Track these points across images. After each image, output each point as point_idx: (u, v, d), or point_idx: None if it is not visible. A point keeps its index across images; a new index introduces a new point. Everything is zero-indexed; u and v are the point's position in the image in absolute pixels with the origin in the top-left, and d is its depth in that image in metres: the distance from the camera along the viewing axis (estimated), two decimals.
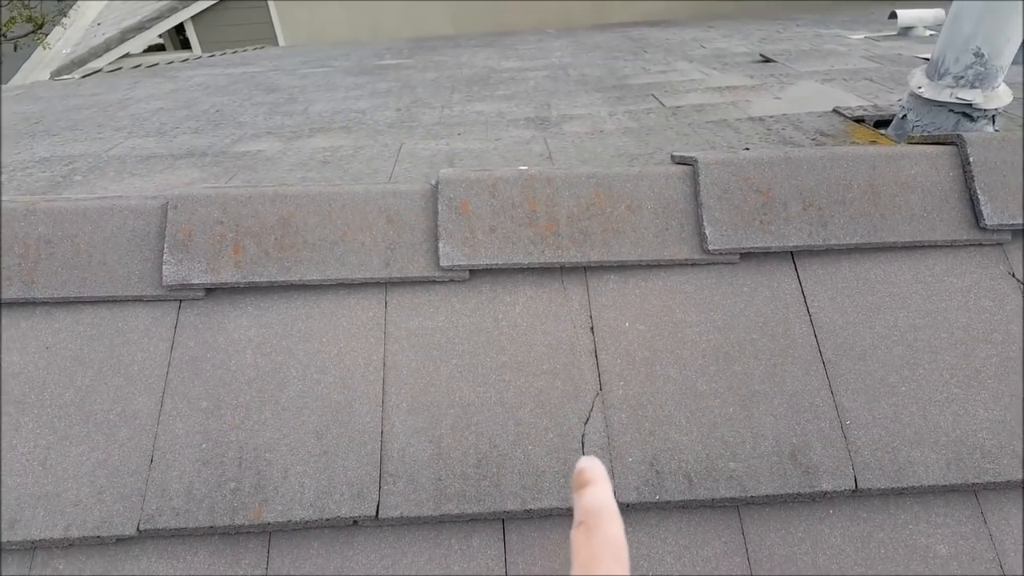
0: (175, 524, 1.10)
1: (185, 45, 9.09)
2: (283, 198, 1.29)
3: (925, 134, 1.42)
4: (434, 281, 1.26)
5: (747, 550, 1.07)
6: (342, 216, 1.28)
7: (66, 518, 1.12)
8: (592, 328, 1.22)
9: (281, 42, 8.47)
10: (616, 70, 3.13)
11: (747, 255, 1.22)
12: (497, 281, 1.26)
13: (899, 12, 3.63)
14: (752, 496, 1.06)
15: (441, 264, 1.23)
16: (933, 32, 3.63)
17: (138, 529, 1.10)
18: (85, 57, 7.41)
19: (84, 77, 4.93)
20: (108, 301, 1.27)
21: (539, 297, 1.24)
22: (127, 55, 7.90)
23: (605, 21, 6.87)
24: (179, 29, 9.01)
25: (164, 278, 1.25)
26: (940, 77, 1.40)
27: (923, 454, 1.08)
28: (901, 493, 1.08)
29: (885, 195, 1.23)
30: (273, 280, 1.25)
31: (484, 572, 1.08)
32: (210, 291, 1.27)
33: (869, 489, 1.06)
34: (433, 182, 1.30)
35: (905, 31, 3.63)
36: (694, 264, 1.22)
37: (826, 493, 1.07)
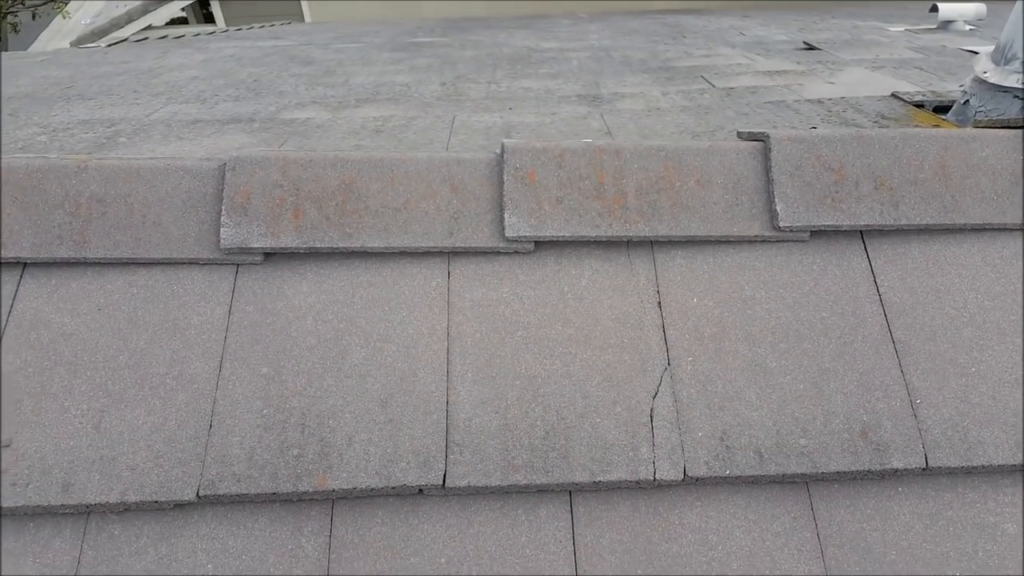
0: (236, 490, 1.13)
1: (209, 19, 9.05)
2: (344, 163, 1.31)
3: (989, 119, 1.45)
4: (499, 252, 1.28)
5: (816, 525, 1.12)
6: (405, 183, 1.30)
7: (122, 482, 1.14)
8: (659, 303, 1.25)
9: (307, 18, 8.47)
10: (658, 53, 3.15)
11: (817, 233, 1.26)
12: (563, 253, 1.29)
13: (940, 6, 3.67)
14: (823, 472, 1.10)
15: (506, 235, 1.26)
16: (973, 27, 3.68)
17: (198, 494, 1.12)
18: (106, 28, 7.34)
19: (110, 46, 4.90)
20: (163, 263, 1.29)
21: (605, 271, 1.27)
22: (149, 27, 7.86)
23: (636, 8, 6.90)
24: (203, 2, 8.96)
25: (222, 241, 1.27)
26: (1007, 63, 1.43)
27: (993, 434, 1.13)
28: (970, 472, 1.13)
29: (956, 177, 1.27)
30: (334, 246, 1.27)
31: (551, 542, 1.12)
32: (269, 256, 1.29)
33: (939, 467, 1.10)
34: (497, 151, 1.32)
35: (945, 24, 3.67)
36: (764, 241, 1.26)
37: (896, 471, 1.11)
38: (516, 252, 1.28)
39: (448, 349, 1.22)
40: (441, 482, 1.12)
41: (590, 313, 1.24)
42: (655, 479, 1.11)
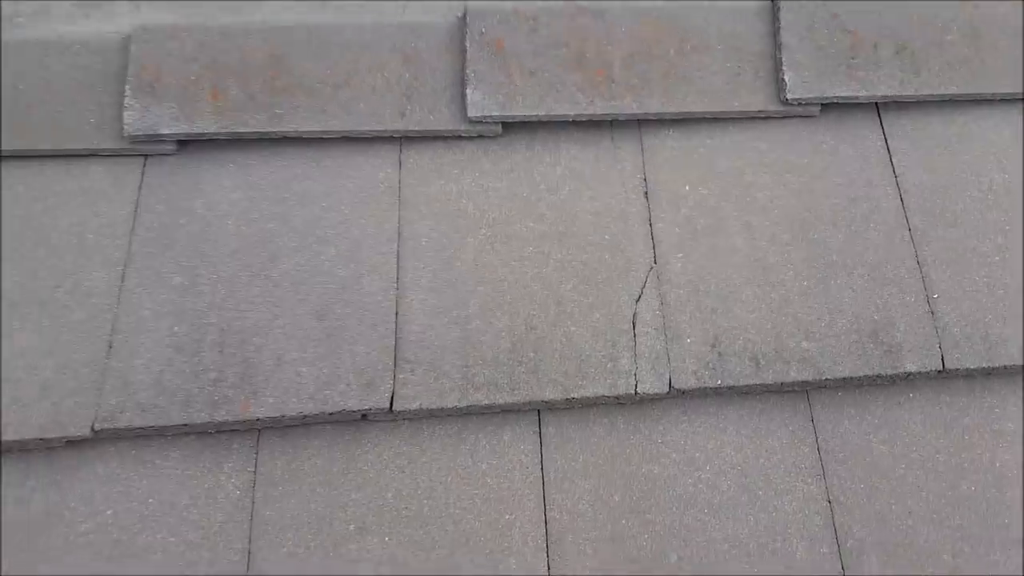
0: (140, 422, 0.94)
1: None
2: (274, 31, 1.09)
3: None
4: (460, 136, 1.10)
5: (817, 439, 1.01)
6: (347, 54, 1.09)
7: (2, 419, 0.98)
8: (646, 193, 1.09)
9: None
10: None
11: (829, 107, 1.09)
12: (535, 137, 1.11)
13: None
14: (827, 379, 0.98)
15: (469, 115, 1.07)
16: None
17: (93, 429, 0.94)
18: None
19: None
20: (56, 156, 1.08)
21: (585, 157, 1.10)
22: None
23: None
24: None
25: (125, 127, 1.06)
26: None
27: (1016, 332, 1.01)
28: (990, 374, 1.02)
29: (987, 40, 1.10)
30: (262, 131, 1.07)
31: (516, 468, 1.00)
32: (183, 144, 1.08)
33: (956, 370, 0.99)
34: (459, 14, 1.12)
35: None
36: (768, 117, 1.09)
37: (909, 375, 0.99)
38: (480, 136, 1.10)
39: (399, 251, 1.06)
40: (388, 405, 0.98)
41: (566, 207, 1.07)
42: (636, 393, 0.98)
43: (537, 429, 1.01)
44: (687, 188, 1.08)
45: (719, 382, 0.99)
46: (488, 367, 1.00)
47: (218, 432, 1.00)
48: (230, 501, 0.97)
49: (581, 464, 0.99)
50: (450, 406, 0.98)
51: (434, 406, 0.98)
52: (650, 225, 1.06)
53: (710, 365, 0.99)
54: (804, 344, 1.00)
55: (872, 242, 1.04)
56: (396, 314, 1.02)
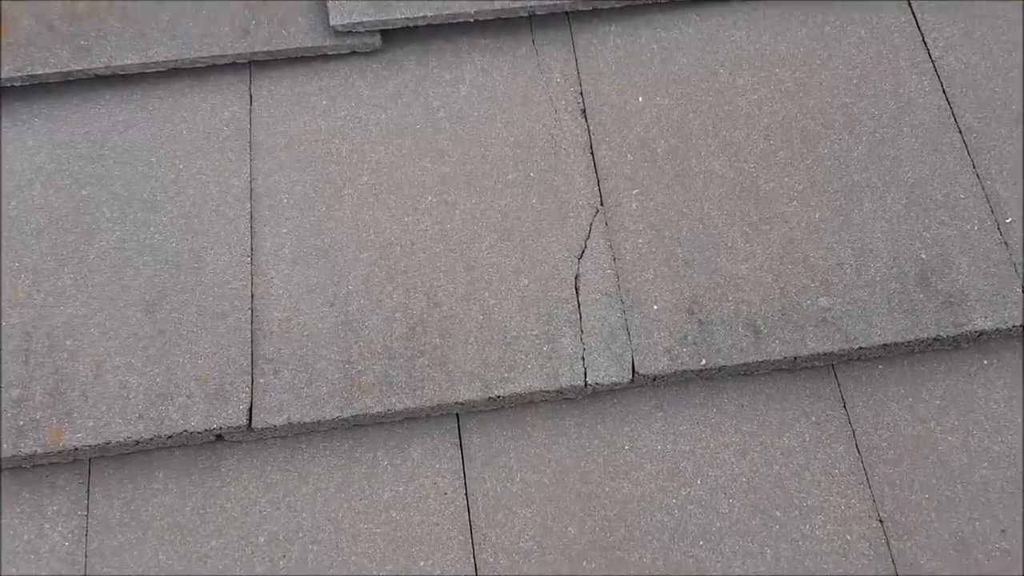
0: None
1: None
2: None
3: None
4: (326, 55, 0.84)
5: (854, 432, 0.71)
6: None
7: None
8: (584, 111, 0.81)
9: None
10: None
11: None
12: (428, 49, 0.83)
13: None
14: (860, 347, 0.69)
15: (333, 24, 0.80)
16: None
17: None
18: None
19: None
20: None
21: (498, 69, 0.82)
22: None
23: None
24: None
25: None
26: None
27: None
28: None
29: None
30: (66, 70, 0.82)
31: (431, 496, 0.72)
32: None
33: None
34: None
35: None
36: None
37: (980, 334, 0.70)
38: (353, 52, 0.83)
39: (252, 214, 0.79)
40: (246, 420, 0.70)
41: (475, 139, 0.80)
42: (587, 384, 0.70)
43: (457, 440, 0.73)
44: (641, 99, 0.79)
45: (703, 362, 0.70)
46: (379, 360, 0.72)
47: (34, 467, 0.74)
48: (56, 555, 0.71)
49: (520, 485, 0.71)
50: (331, 417, 0.70)
51: (309, 418, 0.70)
52: (592, 154, 0.78)
53: (689, 339, 0.70)
54: (822, 301, 0.71)
55: (907, 151, 0.75)
56: (251, 297, 0.75)
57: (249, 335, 0.74)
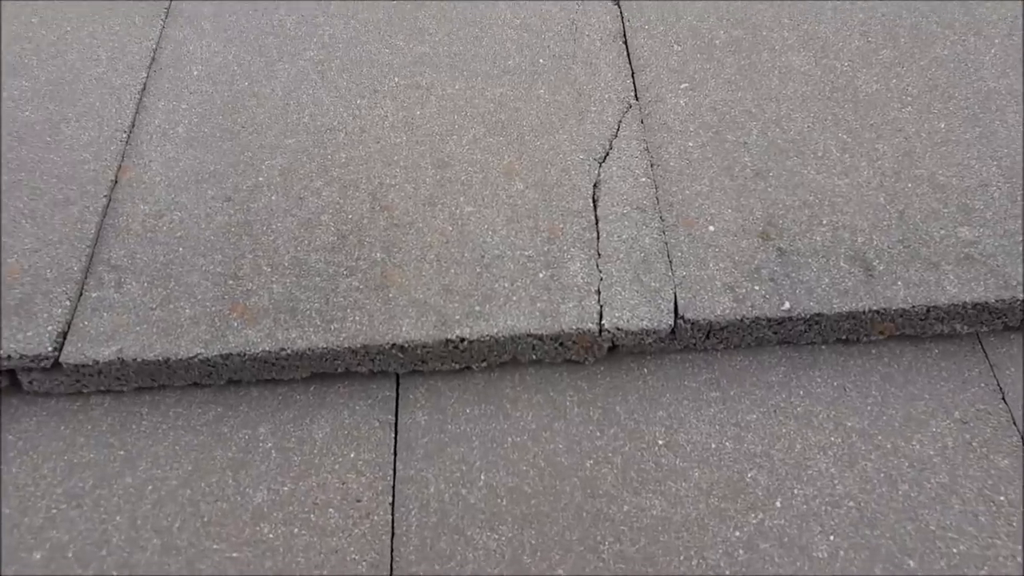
0: None
1: None
2: None
3: None
4: None
5: (1015, 421, 0.46)
6: None
7: None
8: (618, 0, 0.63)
9: None
10: None
11: None
12: None
13: None
14: (1018, 299, 0.46)
15: None
16: None
17: None
18: None
19: None
20: None
21: None
22: None
23: None
24: None
25: None
26: None
27: None
28: None
29: None
30: None
31: (349, 504, 0.44)
32: None
33: None
34: None
35: None
36: None
37: None
38: None
39: (145, 84, 0.58)
40: (51, 350, 0.45)
41: (468, 18, 0.60)
42: (602, 330, 0.45)
43: (391, 419, 0.46)
44: None
45: (786, 305, 0.45)
46: (281, 278, 0.47)
47: None
48: None
49: (485, 504, 0.44)
50: (187, 355, 0.45)
51: (153, 355, 0.45)
52: (624, 43, 0.59)
53: (763, 272, 0.47)
54: (963, 232, 0.48)
55: (990, 61, 0.56)
56: (112, 184, 0.52)
57: (94, 231, 0.50)
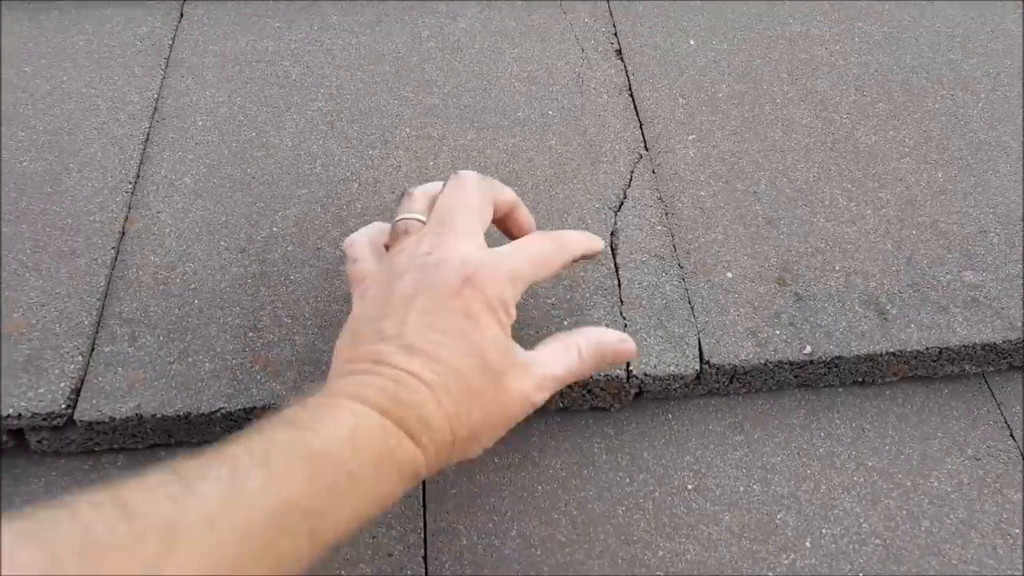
0: None
1: None
2: None
3: None
4: None
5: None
6: None
7: None
8: (619, 51, 0.65)
9: None
10: None
11: None
12: None
13: None
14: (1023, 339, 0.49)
15: None
16: None
17: None
18: None
19: None
20: None
21: (507, 5, 0.67)
22: None
23: None
24: None
25: None
26: None
27: None
28: None
29: None
30: None
31: None
32: None
33: None
34: None
35: None
36: None
37: None
38: None
39: (148, 135, 0.58)
40: (65, 407, 0.45)
41: (475, 72, 0.63)
42: (630, 376, 0.47)
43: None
44: (692, 43, 0.65)
45: (808, 350, 0.48)
46: (304, 331, 0.48)
47: None
48: None
49: (518, 537, 0.44)
50: (209, 410, 0.45)
51: (174, 410, 0.45)
52: (631, 95, 0.62)
53: (783, 318, 0.49)
54: (967, 276, 0.51)
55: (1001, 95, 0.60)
56: (120, 235, 0.53)
57: (103, 283, 0.50)
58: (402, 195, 0.43)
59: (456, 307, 0.35)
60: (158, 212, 0.54)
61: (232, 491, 0.27)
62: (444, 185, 0.42)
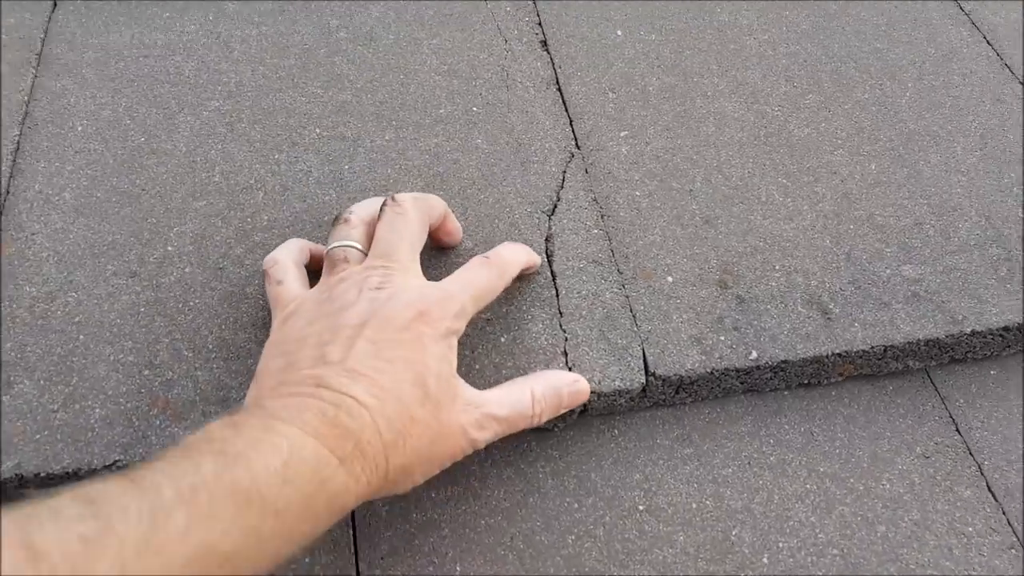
0: None
1: None
2: None
3: None
4: None
5: (983, 473, 0.48)
6: None
7: None
8: (544, 42, 0.63)
9: None
10: None
11: None
12: None
13: None
14: (974, 332, 0.49)
15: None
16: None
17: None
18: None
19: None
20: None
21: None
22: None
23: None
24: None
25: None
26: None
27: None
28: None
29: None
30: None
31: None
32: None
33: None
34: None
35: None
36: None
37: None
38: None
39: (19, 143, 0.52)
40: None
41: (392, 65, 0.59)
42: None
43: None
44: (619, 33, 0.63)
45: (754, 355, 0.46)
46: (208, 364, 0.43)
47: None
48: None
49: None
50: (101, 464, 0.39)
51: (59, 467, 0.39)
52: (559, 90, 0.59)
53: (727, 322, 0.47)
54: (906, 270, 0.51)
55: (967, 100, 0.61)
56: None
57: None
58: (336, 218, 0.43)
59: (405, 338, 0.36)
60: (33, 234, 0.48)
61: (152, 532, 0.25)
62: (382, 211, 0.42)
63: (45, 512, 0.24)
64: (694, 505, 0.45)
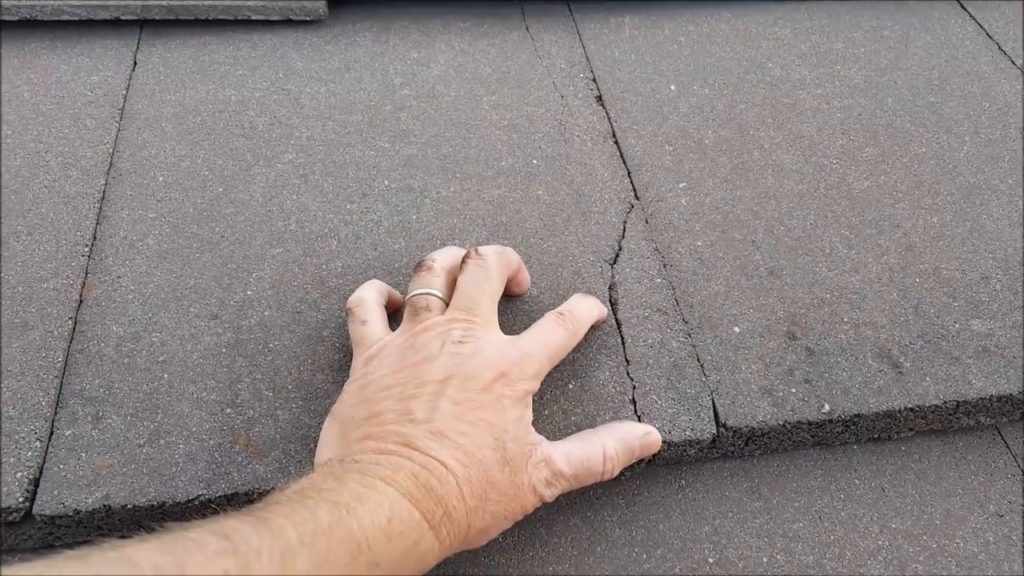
0: None
1: None
2: None
3: None
4: (249, 20, 0.67)
5: None
6: None
7: None
8: (600, 97, 0.65)
9: None
10: None
11: None
12: (389, 28, 0.68)
13: None
14: None
15: None
16: None
17: None
18: None
19: None
20: None
21: (481, 51, 0.66)
22: None
23: None
24: None
25: None
26: None
27: None
28: None
29: None
30: None
31: None
32: None
33: None
34: None
35: None
36: None
37: None
38: (287, 20, 0.67)
39: (104, 192, 0.55)
40: (24, 501, 0.41)
41: (453, 120, 0.62)
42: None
43: None
44: (672, 88, 0.65)
45: (826, 408, 0.47)
46: (289, 404, 0.45)
47: None
48: None
49: None
50: (187, 497, 0.41)
51: (146, 500, 0.41)
52: (616, 143, 0.61)
53: (797, 374, 0.48)
54: (975, 324, 0.51)
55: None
56: (77, 304, 0.49)
57: (61, 358, 0.46)
58: (419, 265, 0.45)
59: (486, 400, 0.38)
60: (118, 277, 0.51)
61: (280, 571, 0.28)
62: (465, 263, 0.44)
63: (190, 543, 0.26)
64: (765, 559, 0.46)
